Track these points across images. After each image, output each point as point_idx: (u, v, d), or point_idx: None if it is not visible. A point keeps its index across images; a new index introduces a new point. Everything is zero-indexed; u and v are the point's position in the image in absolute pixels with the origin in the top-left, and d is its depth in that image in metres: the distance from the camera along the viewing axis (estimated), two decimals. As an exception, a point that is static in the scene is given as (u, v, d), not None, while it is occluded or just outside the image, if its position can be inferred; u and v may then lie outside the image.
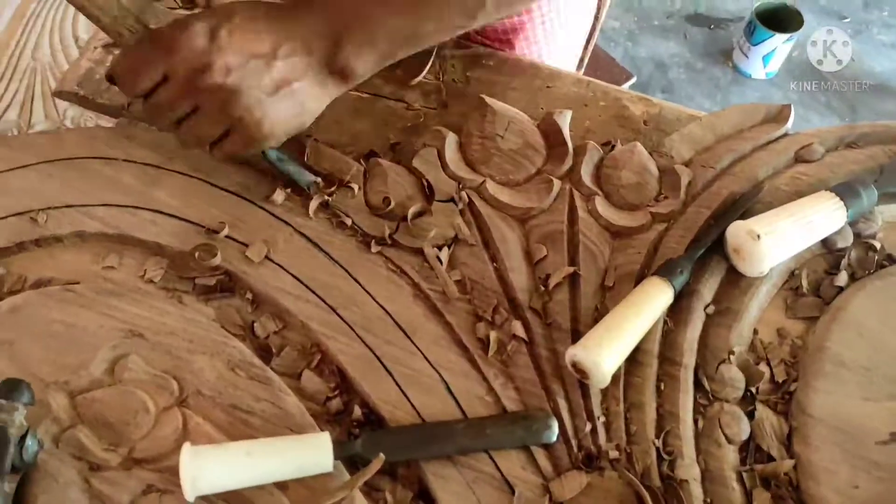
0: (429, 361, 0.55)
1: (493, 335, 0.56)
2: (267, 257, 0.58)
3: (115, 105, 0.69)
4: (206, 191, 0.62)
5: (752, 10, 2.14)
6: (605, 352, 0.52)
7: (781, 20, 2.10)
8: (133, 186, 0.61)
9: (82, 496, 0.48)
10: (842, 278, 0.60)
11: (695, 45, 2.28)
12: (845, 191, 0.60)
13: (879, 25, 2.33)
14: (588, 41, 0.97)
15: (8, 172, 0.61)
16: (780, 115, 0.68)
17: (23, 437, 0.47)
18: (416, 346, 0.55)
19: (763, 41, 2.09)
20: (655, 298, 0.56)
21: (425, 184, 0.62)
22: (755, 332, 0.58)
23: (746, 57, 2.18)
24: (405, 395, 0.53)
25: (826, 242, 0.61)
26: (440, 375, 0.54)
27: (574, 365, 0.54)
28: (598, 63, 1.79)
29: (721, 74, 2.22)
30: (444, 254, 0.60)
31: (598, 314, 0.58)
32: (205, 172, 0.63)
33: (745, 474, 0.52)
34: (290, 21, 0.54)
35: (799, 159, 0.65)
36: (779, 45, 2.09)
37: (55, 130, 0.66)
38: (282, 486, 0.49)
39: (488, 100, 0.65)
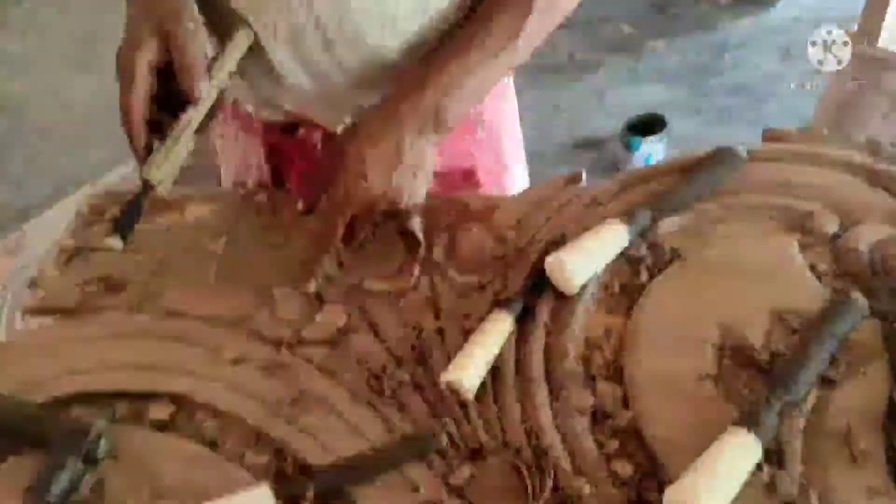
0: (340, 416, 0.70)
1: (385, 385, 0.72)
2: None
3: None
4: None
5: (623, 126, 2.45)
6: (465, 372, 0.68)
7: (648, 126, 2.41)
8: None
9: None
10: (643, 276, 0.78)
11: (588, 165, 2.57)
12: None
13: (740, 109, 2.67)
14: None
15: None
16: (575, 178, 0.88)
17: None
18: (328, 409, 0.71)
19: (639, 148, 2.39)
20: (499, 328, 0.73)
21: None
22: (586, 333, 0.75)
23: (633, 165, 2.46)
24: (327, 447, 0.68)
25: (626, 255, 0.79)
26: (350, 424, 0.69)
27: (448, 385, 0.69)
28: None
29: (616, 184, 2.49)
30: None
31: (466, 351, 0.74)
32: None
33: (596, 433, 0.67)
34: (403, 122, 0.78)
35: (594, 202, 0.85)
36: (653, 147, 2.38)
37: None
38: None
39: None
